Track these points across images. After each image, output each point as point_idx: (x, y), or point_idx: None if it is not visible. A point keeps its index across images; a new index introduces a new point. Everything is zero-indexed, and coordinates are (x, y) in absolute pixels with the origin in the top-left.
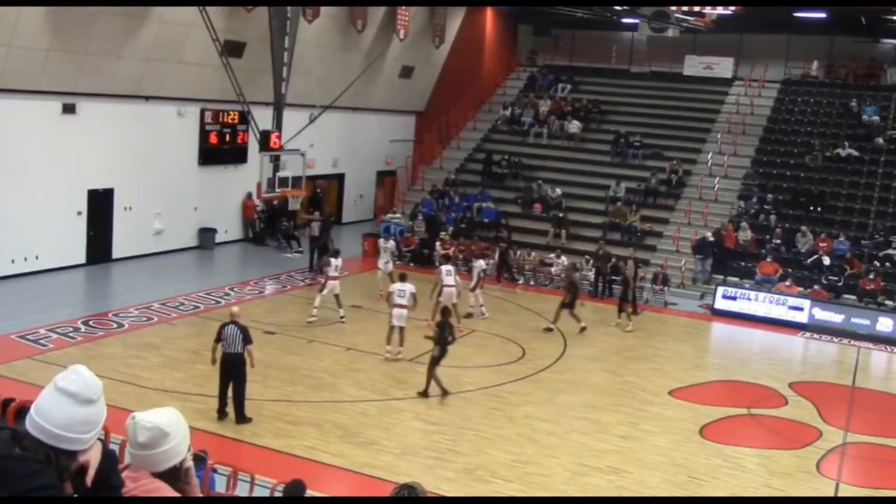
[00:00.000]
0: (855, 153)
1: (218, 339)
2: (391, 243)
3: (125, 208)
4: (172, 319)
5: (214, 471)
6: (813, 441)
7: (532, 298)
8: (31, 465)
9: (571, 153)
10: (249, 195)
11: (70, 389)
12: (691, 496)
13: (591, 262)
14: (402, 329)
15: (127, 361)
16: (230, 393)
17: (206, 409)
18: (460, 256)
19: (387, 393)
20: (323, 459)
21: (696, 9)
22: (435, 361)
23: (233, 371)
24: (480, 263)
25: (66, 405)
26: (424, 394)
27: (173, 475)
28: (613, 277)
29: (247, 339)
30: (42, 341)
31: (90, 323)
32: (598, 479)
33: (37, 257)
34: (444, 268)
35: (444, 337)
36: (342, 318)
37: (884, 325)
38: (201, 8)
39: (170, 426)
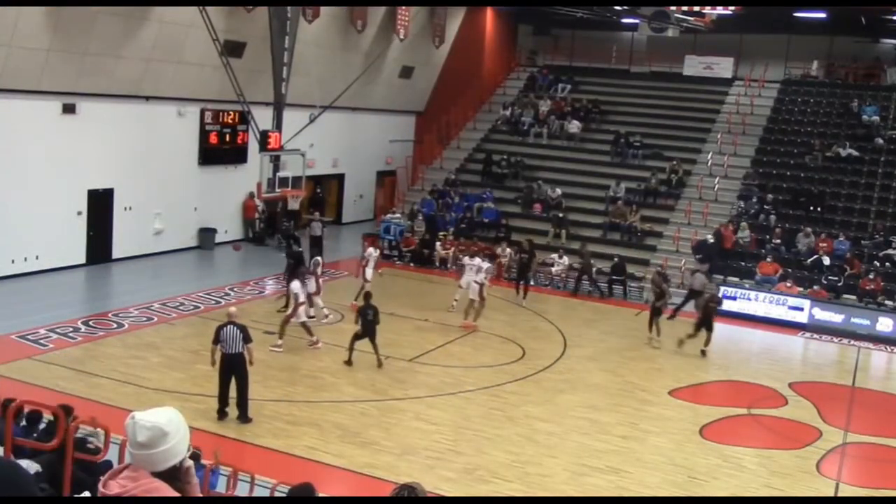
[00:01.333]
0: (855, 153)
1: (216, 341)
2: (376, 252)
3: (125, 208)
4: (172, 319)
5: (213, 472)
6: (813, 441)
7: (532, 298)
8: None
9: (571, 153)
10: (251, 195)
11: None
12: (691, 496)
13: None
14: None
15: (127, 361)
16: (231, 393)
17: (206, 408)
18: (461, 257)
19: (386, 393)
20: (323, 459)
21: (696, 9)
22: (356, 336)
23: (234, 371)
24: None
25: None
26: (349, 363)
27: (173, 475)
28: (615, 277)
29: (247, 338)
30: (42, 341)
31: (90, 323)
32: (598, 480)
33: (37, 257)
34: (470, 262)
35: (365, 317)
36: (326, 316)
37: (884, 325)
38: (201, 8)
39: (169, 425)
